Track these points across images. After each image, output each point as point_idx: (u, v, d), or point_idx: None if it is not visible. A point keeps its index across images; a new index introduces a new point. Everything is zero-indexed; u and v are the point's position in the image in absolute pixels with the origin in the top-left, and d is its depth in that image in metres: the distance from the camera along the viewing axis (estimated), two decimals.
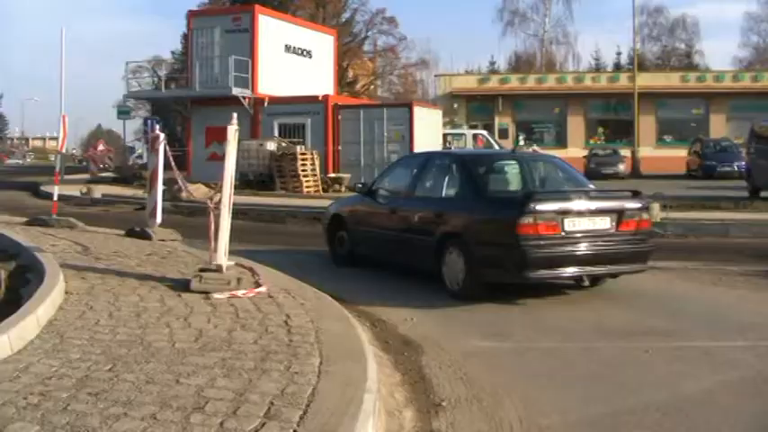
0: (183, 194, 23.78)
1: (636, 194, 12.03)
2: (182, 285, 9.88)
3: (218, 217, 10.03)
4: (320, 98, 37.96)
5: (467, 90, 60.95)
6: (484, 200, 12.01)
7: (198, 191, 23.24)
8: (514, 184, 12.88)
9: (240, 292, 9.58)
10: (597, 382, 7.55)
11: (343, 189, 34.09)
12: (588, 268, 11.48)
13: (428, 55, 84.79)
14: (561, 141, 59.16)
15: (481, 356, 8.54)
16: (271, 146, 35.50)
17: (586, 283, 12.58)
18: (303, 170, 34.03)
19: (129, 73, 46.79)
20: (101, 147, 56.86)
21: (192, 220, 21.08)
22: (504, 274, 11.37)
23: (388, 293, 12.07)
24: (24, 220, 17.82)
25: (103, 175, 45.57)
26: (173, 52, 76.78)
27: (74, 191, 31.90)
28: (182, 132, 44.61)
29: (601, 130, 60.23)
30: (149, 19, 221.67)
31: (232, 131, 10.07)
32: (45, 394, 5.68)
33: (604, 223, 11.43)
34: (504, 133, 57.99)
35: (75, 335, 7.38)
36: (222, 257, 10.07)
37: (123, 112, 51.92)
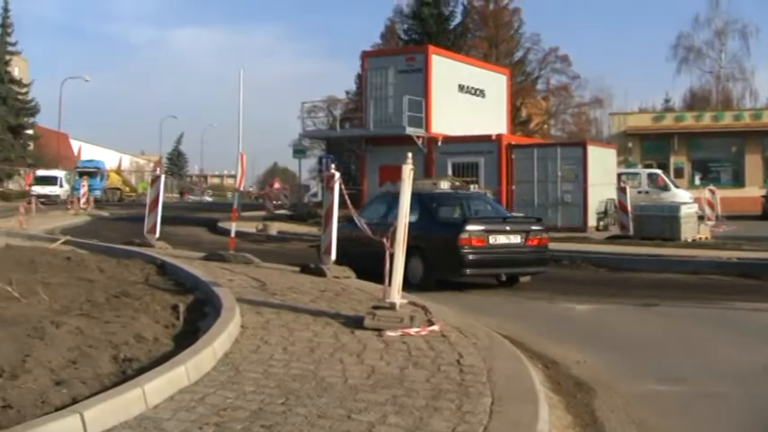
0: None
1: (538, 220, 18.35)
2: (355, 322, 9.96)
3: (392, 255, 10.10)
4: (494, 137, 37.81)
5: (641, 129, 59.86)
6: (437, 223, 17.51)
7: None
8: (456, 212, 18.64)
9: (413, 330, 9.60)
10: None
11: None
12: (505, 269, 17.12)
13: (602, 93, 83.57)
14: (738, 180, 57.48)
15: (654, 400, 8.33)
16: (444, 185, 35.33)
17: (504, 278, 17.36)
18: None
19: (305, 113, 47.65)
20: (276, 185, 58.03)
21: None
22: (449, 272, 16.88)
23: (559, 334, 11.92)
24: (202, 254, 18.29)
25: (279, 212, 46.37)
26: (347, 92, 77.93)
27: (250, 227, 32.60)
28: (356, 171, 45.15)
29: None
30: (324, 60, 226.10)
31: (407, 170, 10.14)
32: (219, 425, 5.80)
33: (516, 239, 16.89)
34: (679, 172, 56.71)
35: (250, 368, 7.52)
36: (396, 295, 10.11)
37: (299, 151, 52.86)
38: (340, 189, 15.02)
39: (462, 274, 16.62)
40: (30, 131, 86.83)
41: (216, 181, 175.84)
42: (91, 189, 59.23)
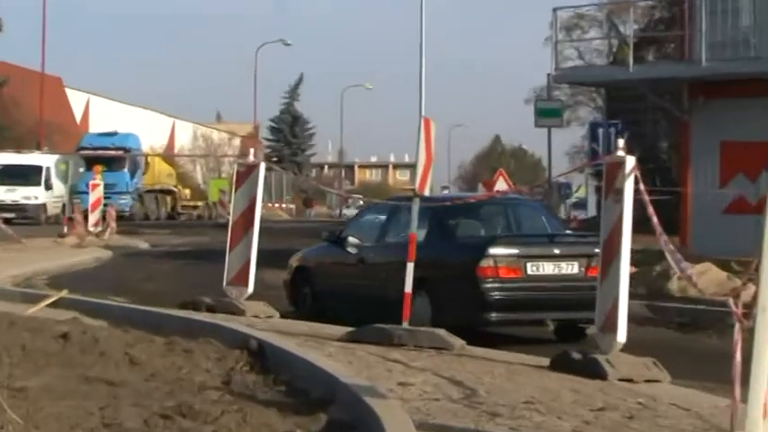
0: (684, 283, 24.03)
1: None
2: None
3: (751, 334, 9.94)
4: None
5: None
6: (450, 243, 22.46)
7: (705, 277, 23.49)
8: (484, 228, 23.39)
9: None
10: None
11: None
12: (552, 313, 21.00)
13: None
14: None
15: None
16: None
17: (551, 327, 21.48)
18: None
19: (560, 31, 47.49)
20: (500, 185, 58.18)
21: (687, 339, 21.24)
22: (466, 314, 21.09)
23: None
24: (347, 330, 18.36)
25: None
26: None
27: None
28: (668, 152, 45.00)
29: None
30: None
31: None
32: None
33: (571, 267, 20.97)
34: None
35: None
36: (760, 424, 9.94)
37: (548, 113, 52.46)
38: (636, 190, 14.83)
39: (485, 318, 21.26)
40: None
41: (370, 176, 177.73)
42: (111, 193, 60.32)
